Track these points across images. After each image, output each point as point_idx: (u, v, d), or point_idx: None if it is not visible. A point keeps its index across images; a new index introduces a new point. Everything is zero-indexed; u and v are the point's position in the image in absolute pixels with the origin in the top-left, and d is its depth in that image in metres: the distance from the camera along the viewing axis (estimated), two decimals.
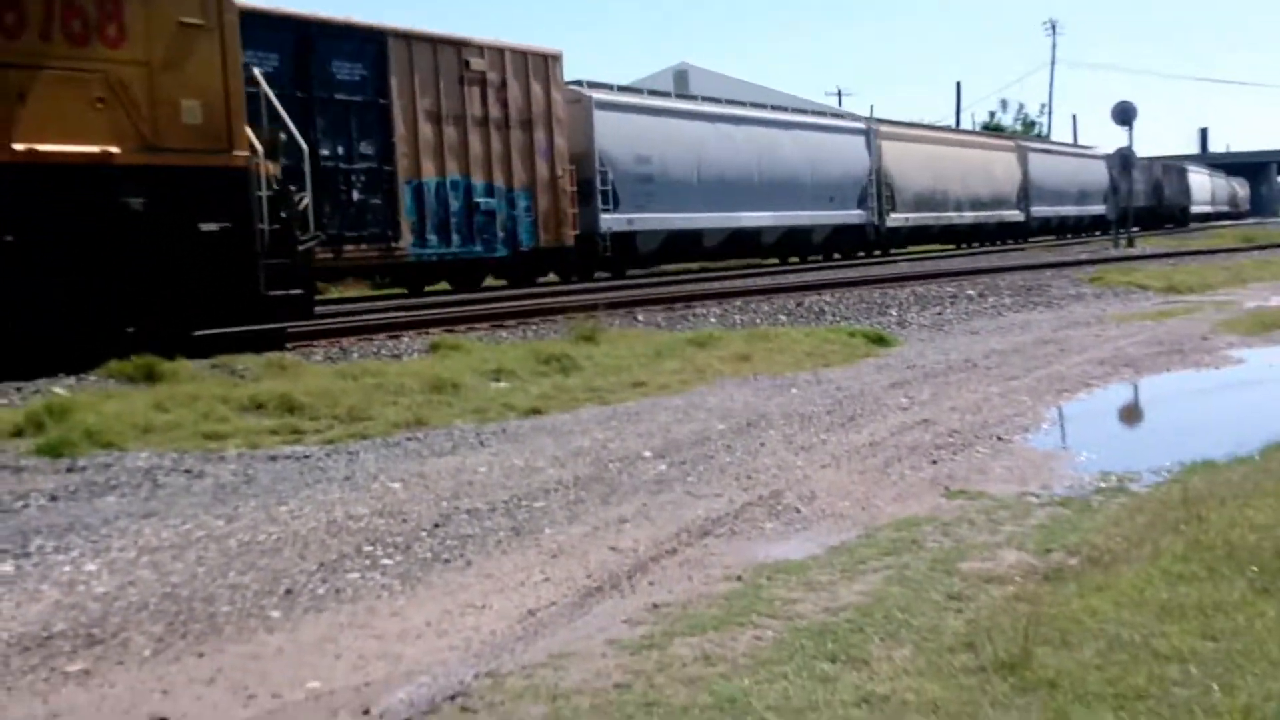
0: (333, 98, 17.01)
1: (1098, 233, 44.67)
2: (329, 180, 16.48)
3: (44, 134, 8.96)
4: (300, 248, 11.04)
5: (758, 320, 13.32)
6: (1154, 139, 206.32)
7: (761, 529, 4.65)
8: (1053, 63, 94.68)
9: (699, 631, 3.42)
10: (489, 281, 21.25)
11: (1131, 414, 8.15)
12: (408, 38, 18.27)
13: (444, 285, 20.87)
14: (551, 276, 22.55)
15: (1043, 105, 77.55)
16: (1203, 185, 67.70)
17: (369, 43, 17.69)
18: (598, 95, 23.04)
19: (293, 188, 11.13)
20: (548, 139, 20.71)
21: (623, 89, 24.97)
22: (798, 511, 4.90)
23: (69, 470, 5.87)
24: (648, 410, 7.53)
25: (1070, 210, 45.38)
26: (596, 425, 7.00)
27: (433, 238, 18.67)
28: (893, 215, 32.77)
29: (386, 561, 4.26)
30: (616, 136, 23.07)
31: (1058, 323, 12.99)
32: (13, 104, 8.82)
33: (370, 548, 4.42)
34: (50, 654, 3.39)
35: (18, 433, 6.59)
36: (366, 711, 2.97)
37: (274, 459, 6.17)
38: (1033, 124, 75.44)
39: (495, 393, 8.21)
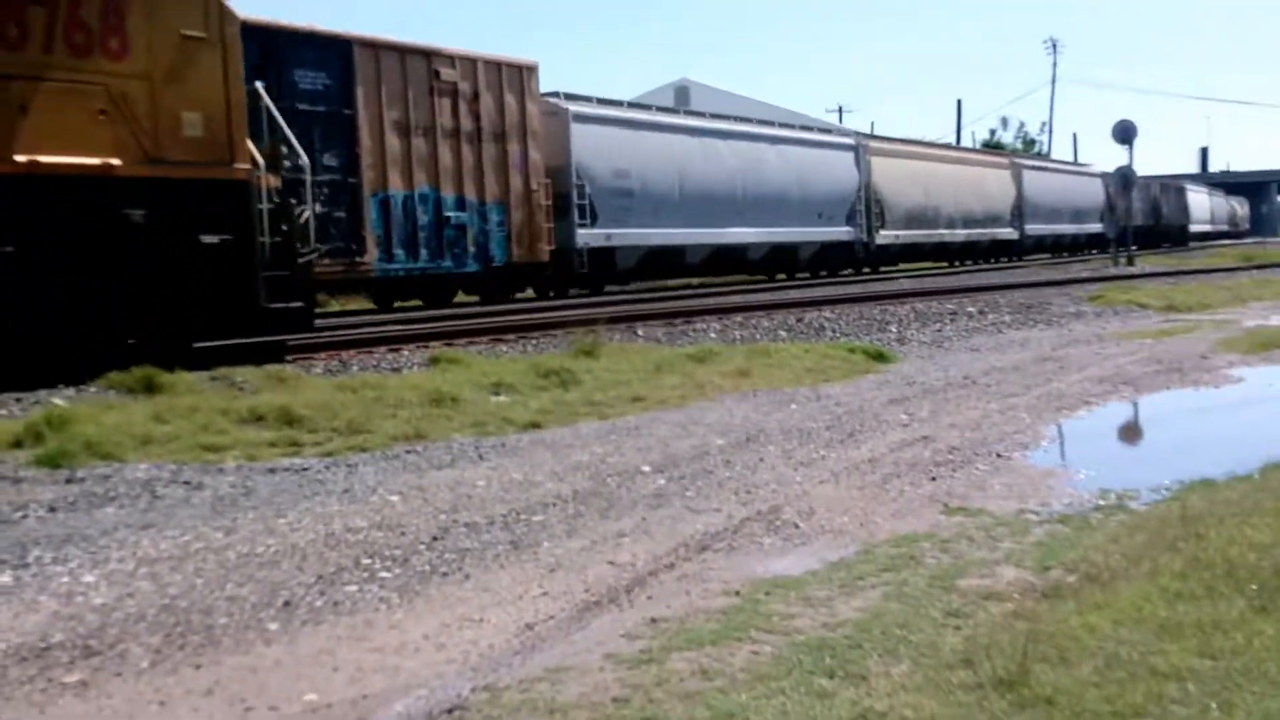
0: (295, 107, 16.20)
1: (1094, 251, 44.70)
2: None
3: (45, 145, 8.97)
4: (301, 260, 11.05)
5: (758, 336, 13.32)
6: (1155, 158, 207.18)
7: (760, 544, 4.65)
8: (1053, 81, 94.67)
9: (697, 646, 3.42)
10: (460, 298, 20.66)
11: (1131, 432, 8.15)
12: (374, 46, 17.83)
13: (416, 302, 20.28)
14: (529, 292, 22.03)
15: (1043, 123, 77.67)
16: (1201, 204, 67.87)
17: (333, 51, 17.18)
18: (575, 108, 22.47)
19: (293, 200, 11.17)
20: (522, 151, 20.22)
21: (602, 101, 24.20)
22: (796, 527, 4.90)
23: (68, 481, 5.86)
24: (647, 425, 7.53)
25: (1066, 228, 45.23)
26: (595, 440, 7.00)
27: (400, 252, 18.15)
28: (882, 232, 32.32)
29: (385, 574, 4.25)
30: (595, 150, 22.53)
31: (1058, 340, 13.00)
32: (15, 115, 8.83)
33: (368, 560, 4.42)
34: (48, 665, 3.39)
35: (17, 443, 6.58)
36: None
37: (273, 471, 6.17)
38: (1033, 142, 75.75)
39: (495, 406, 8.21)
